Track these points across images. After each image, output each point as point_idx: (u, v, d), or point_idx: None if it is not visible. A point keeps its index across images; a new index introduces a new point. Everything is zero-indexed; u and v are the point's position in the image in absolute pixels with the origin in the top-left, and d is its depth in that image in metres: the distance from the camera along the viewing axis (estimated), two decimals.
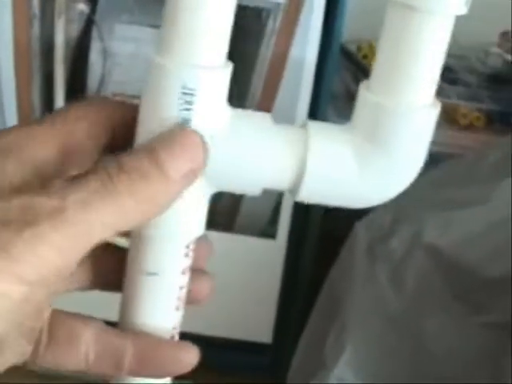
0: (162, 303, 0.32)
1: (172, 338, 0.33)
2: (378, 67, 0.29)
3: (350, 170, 0.29)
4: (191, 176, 0.27)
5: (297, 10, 0.69)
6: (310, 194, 0.29)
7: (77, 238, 0.24)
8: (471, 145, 0.79)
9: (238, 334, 0.76)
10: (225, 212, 0.73)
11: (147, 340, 0.31)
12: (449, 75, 0.90)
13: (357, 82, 0.85)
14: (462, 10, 0.28)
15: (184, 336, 0.78)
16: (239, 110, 0.29)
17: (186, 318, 0.77)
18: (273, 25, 0.69)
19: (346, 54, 0.82)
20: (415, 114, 0.29)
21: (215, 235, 0.73)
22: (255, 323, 0.76)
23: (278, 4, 0.68)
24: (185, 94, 0.27)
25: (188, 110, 0.27)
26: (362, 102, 0.29)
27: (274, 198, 0.73)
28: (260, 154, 0.28)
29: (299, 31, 0.69)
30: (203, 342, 0.77)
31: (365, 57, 0.89)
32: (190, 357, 0.31)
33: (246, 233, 0.74)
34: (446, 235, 0.63)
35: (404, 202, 0.68)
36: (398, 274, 0.62)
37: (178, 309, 0.32)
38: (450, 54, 0.93)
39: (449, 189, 0.65)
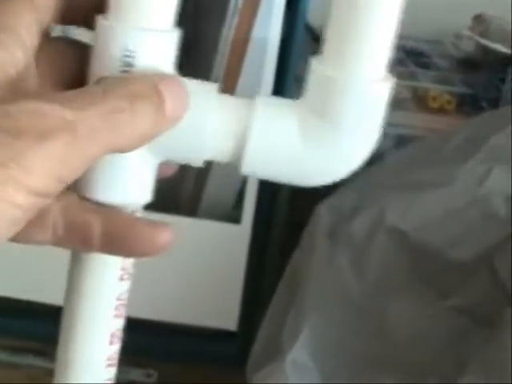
0: (105, 272, 0.31)
1: (116, 309, 0.31)
2: (329, 39, 0.28)
3: (294, 144, 0.28)
4: (178, 119, 0.28)
5: None
6: (253, 167, 0.29)
7: (85, 153, 0.24)
8: (442, 128, 0.78)
9: (202, 321, 0.75)
10: (188, 196, 0.72)
11: (118, 216, 0.30)
12: (421, 60, 0.89)
13: None
14: None
15: (146, 323, 0.76)
16: (186, 79, 0.29)
17: (148, 305, 0.76)
18: (235, 4, 0.67)
19: (313, 35, 0.81)
20: (365, 88, 0.27)
21: (178, 220, 0.72)
22: (220, 310, 0.75)
23: None
24: (125, 56, 0.27)
25: (128, 72, 0.27)
26: (312, 75, 0.29)
27: (239, 182, 0.72)
28: (202, 123, 0.28)
29: (262, 10, 0.68)
30: (167, 332, 0.76)
31: None
32: (163, 237, 0.30)
33: (210, 217, 0.73)
34: (409, 217, 0.61)
35: (367, 184, 0.66)
36: (361, 258, 0.61)
37: (121, 279, 0.31)
38: (422, 39, 0.91)
39: (412, 171, 0.63)
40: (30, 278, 0.71)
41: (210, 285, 0.74)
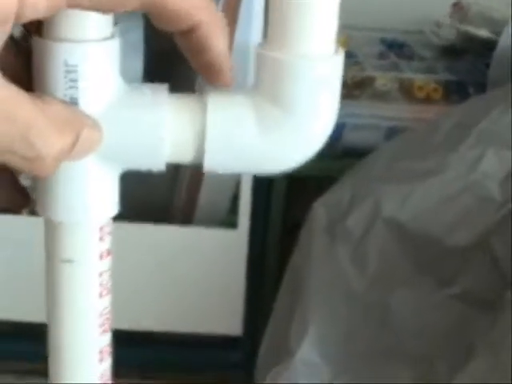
0: (83, 290, 0.30)
1: (101, 325, 0.31)
2: (272, 22, 0.27)
3: (251, 134, 0.27)
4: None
5: None
6: (215, 163, 0.28)
7: None
8: (431, 117, 0.78)
9: (206, 329, 0.75)
10: (182, 206, 0.72)
11: None
12: (403, 51, 0.89)
13: None
14: None
15: (151, 335, 0.76)
16: (133, 84, 0.28)
17: (151, 317, 0.76)
18: None
19: None
20: (312, 66, 0.26)
21: (174, 229, 0.72)
22: (224, 316, 0.75)
23: None
24: (68, 71, 0.26)
25: (73, 88, 0.26)
26: (259, 61, 0.27)
27: (233, 187, 0.72)
28: (157, 126, 0.27)
29: (242, 16, 0.68)
30: (172, 342, 0.76)
31: None
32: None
33: (206, 224, 0.73)
34: (405, 208, 0.62)
35: (361, 178, 0.66)
36: (360, 251, 0.61)
37: (101, 295, 0.31)
38: (403, 30, 0.91)
39: (404, 161, 0.63)
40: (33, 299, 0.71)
41: (212, 291, 0.74)
